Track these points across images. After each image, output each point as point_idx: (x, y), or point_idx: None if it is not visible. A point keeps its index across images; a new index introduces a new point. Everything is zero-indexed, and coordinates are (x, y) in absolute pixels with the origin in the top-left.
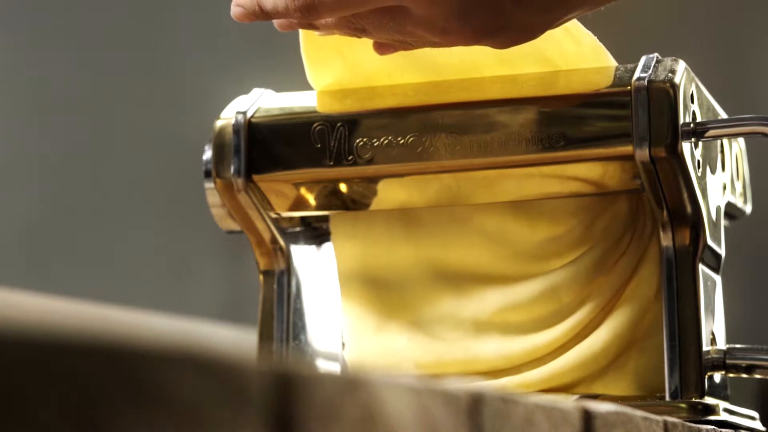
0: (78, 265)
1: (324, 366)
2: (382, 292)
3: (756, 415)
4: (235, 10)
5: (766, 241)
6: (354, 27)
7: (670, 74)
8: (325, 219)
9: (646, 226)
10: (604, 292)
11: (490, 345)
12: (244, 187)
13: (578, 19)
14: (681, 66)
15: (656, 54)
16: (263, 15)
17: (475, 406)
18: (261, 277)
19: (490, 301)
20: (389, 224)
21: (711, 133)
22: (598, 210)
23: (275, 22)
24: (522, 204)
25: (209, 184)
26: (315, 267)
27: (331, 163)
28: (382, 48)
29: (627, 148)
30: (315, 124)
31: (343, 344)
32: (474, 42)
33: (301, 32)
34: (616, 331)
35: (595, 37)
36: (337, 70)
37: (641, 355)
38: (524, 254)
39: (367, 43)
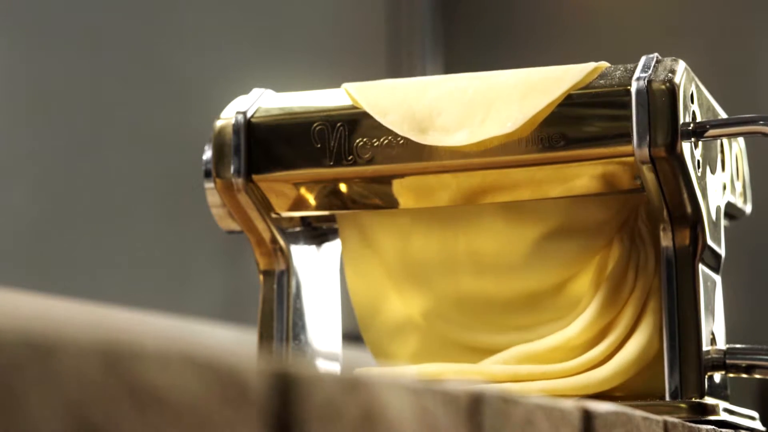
0: (77, 264)
1: (324, 366)
2: (400, 344)
3: (756, 415)
4: None
5: (766, 241)
6: None
7: (670, 74)
8: (325, 219)
9: (648, 261)
10: (615, 330)
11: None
12: (244, 187)
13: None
14: (681, 66)
15: (656, 54)
16: None
17: (475, 406)
18: (261, 277)
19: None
20: (400, 277)
21: (711, 132)
22: (598, 259)
23: None
24: (521, 257)
25: (209, 184)
26: (315, 267)
27: (331, 163)
28: None
29: (627, 148)
30: (315, 124)
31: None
32: None
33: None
34: (623, 362)
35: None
36: None
37: (648, 381)
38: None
39: None
